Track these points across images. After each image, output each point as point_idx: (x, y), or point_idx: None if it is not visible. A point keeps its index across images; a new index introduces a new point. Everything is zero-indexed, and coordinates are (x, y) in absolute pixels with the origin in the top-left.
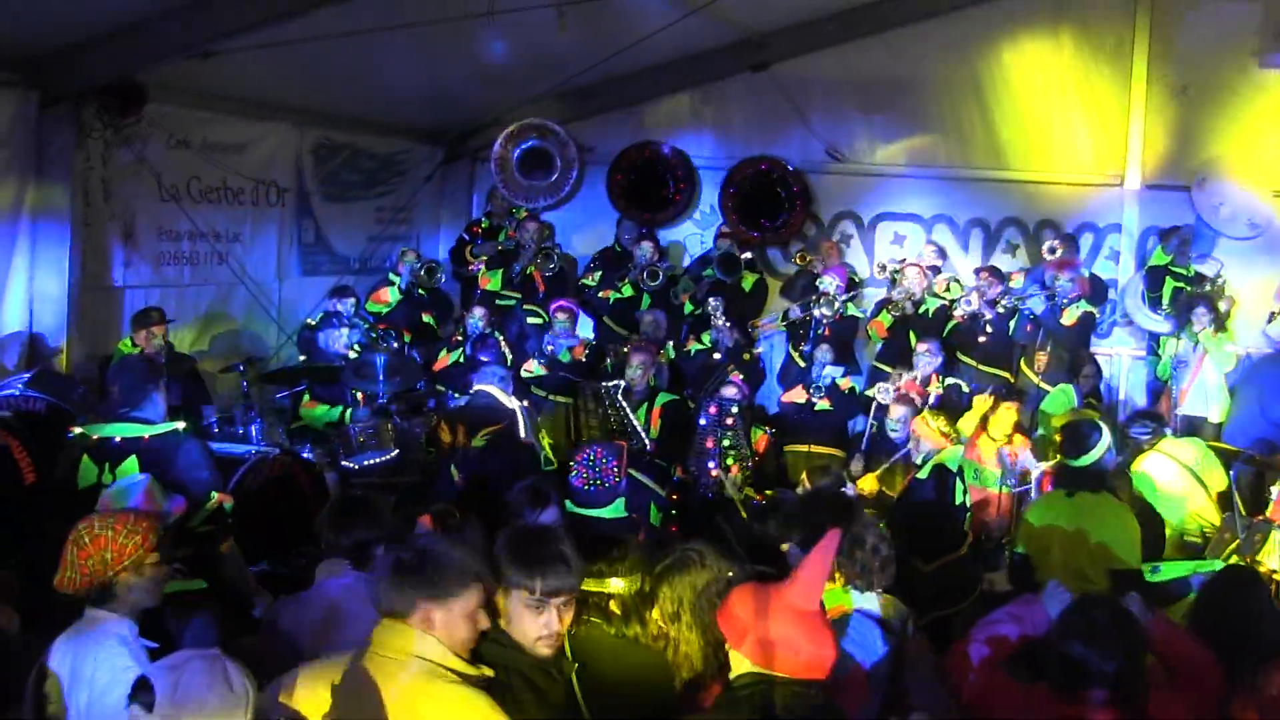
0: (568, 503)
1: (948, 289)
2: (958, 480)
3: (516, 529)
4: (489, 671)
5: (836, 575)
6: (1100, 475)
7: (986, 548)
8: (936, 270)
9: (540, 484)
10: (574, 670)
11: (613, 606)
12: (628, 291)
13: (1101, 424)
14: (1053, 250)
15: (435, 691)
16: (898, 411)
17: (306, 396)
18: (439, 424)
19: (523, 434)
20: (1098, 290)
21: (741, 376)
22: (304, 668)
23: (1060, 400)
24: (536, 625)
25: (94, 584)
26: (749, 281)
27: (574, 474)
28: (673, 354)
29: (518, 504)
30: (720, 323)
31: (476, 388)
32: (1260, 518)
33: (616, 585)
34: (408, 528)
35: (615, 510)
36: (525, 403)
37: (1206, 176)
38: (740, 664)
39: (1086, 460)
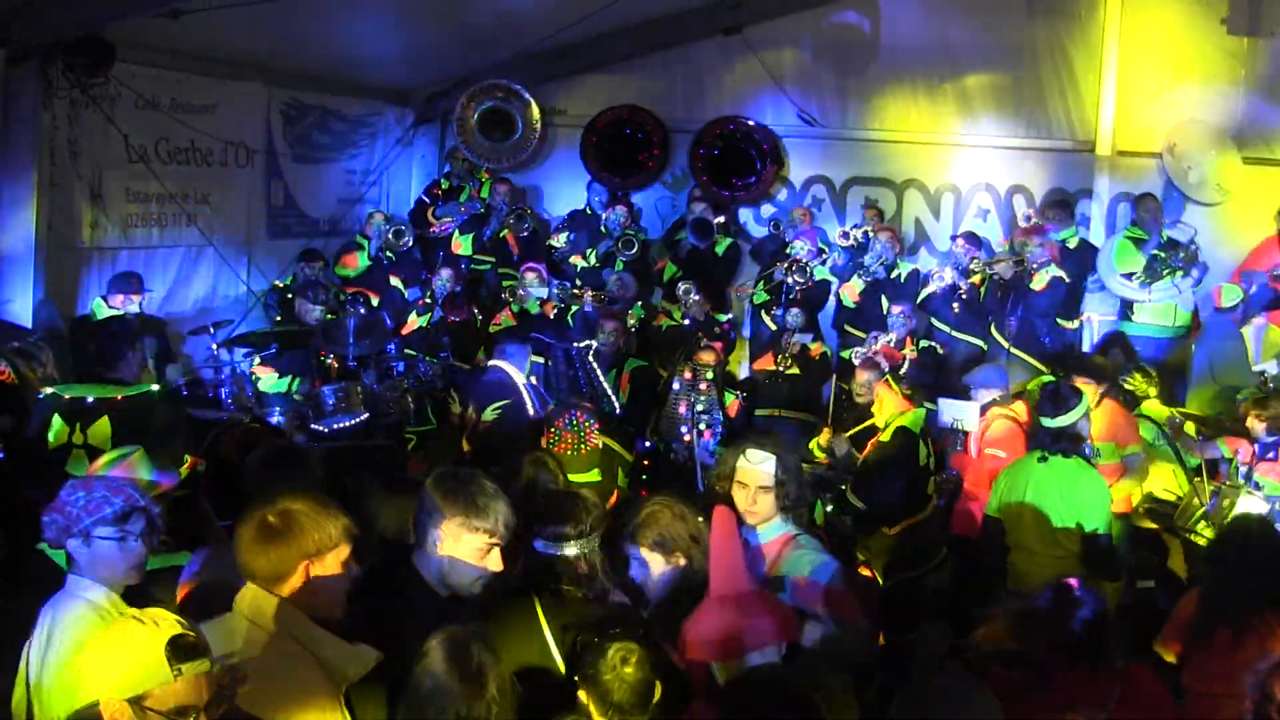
0: None
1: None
2: (920, 442)
3: (445, 473)
4: (369, 658)
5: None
6: (1075, 438)
7: None
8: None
9: (547, 455)
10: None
11: (581, 566)
12: (592, 261)
13: (1082, 389)
14: (1027, 218)
15: (286, 669)
16: (863, 376)
17: (257, 360)
18: (449, 395)
19: (530, 411)
20: (1085, 258)
21: (719, 344)
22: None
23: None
24: (481, 566)
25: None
26: (722, 246)
27: (554, 439)
28: (641, 314)
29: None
30: (692, 300)
31: (491, 363)
32: (1226, 484)
33: (571, 550)
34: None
35: (593, 475)
36: (534, 379)
37: (1176, 143)
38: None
39: (1063, 421)
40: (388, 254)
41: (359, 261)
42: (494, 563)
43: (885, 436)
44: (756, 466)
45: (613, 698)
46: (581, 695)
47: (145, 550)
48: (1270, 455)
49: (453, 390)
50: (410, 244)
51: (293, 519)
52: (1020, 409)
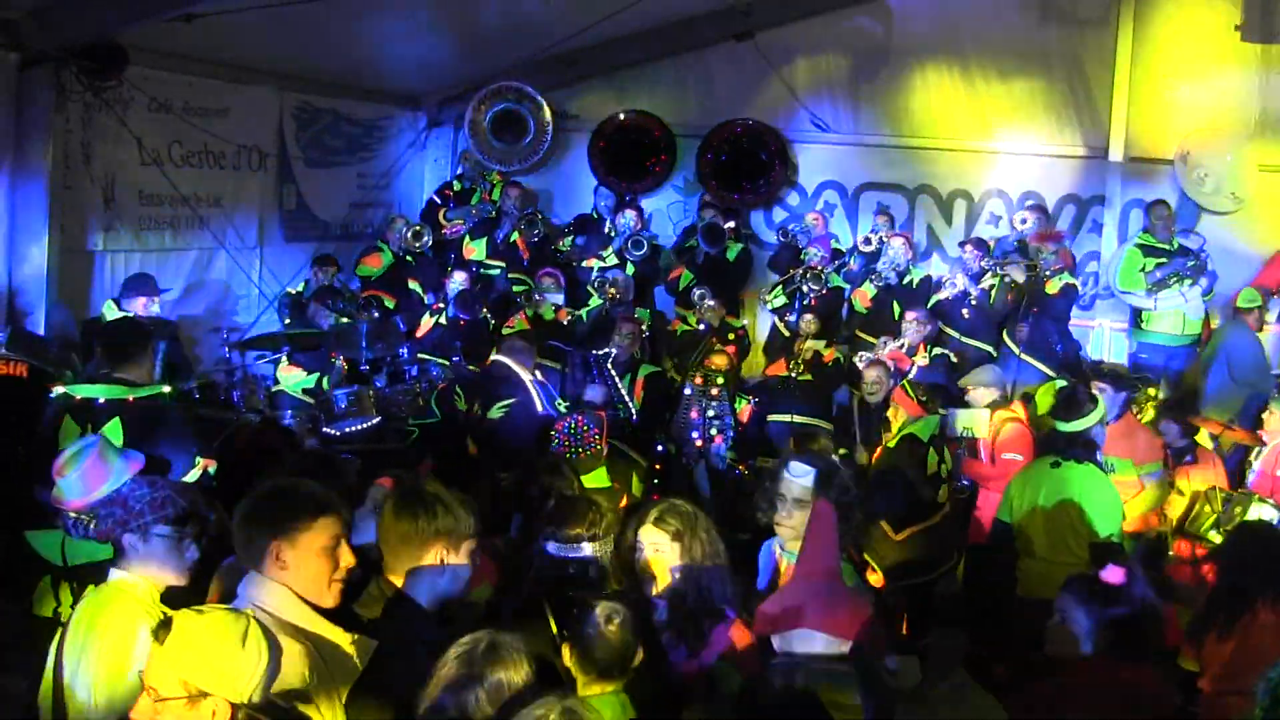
0: None
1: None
2: (930, 451)
3: (404, 499)
4: (344, 638)
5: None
6: (1088, 444)
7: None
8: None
9: (562, 461)
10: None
11: (592, 570)
12: (611, 260)
13: (1098, 396)
14: (1023, 220)
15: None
16: (871, 374)
17: (285, 360)
18: (453, 391)
19: (539, 408)
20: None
21: (733, 348)
22: None
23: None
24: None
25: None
26: (733, 251)
27: (555, 443)
28: (649, 319)
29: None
30: (706, 305)
31: (495, 358)
32: (1239, 491)
33: (584, 553)
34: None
35: (598, 479)
36: (540, 375)
37: (1190, 150)
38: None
39: (1077, 425)
40: (407, 257)
41: (382, 261)
42: (476, 558)
43: (892, 443)
44: (796, 479)
45: (594, 654)
46: (565, 652)
47: (198, 555)
48: (1187, 459)
49: (459, 387)
50: (428, 244)
51: (265, 501)
52: (1019, 409)
